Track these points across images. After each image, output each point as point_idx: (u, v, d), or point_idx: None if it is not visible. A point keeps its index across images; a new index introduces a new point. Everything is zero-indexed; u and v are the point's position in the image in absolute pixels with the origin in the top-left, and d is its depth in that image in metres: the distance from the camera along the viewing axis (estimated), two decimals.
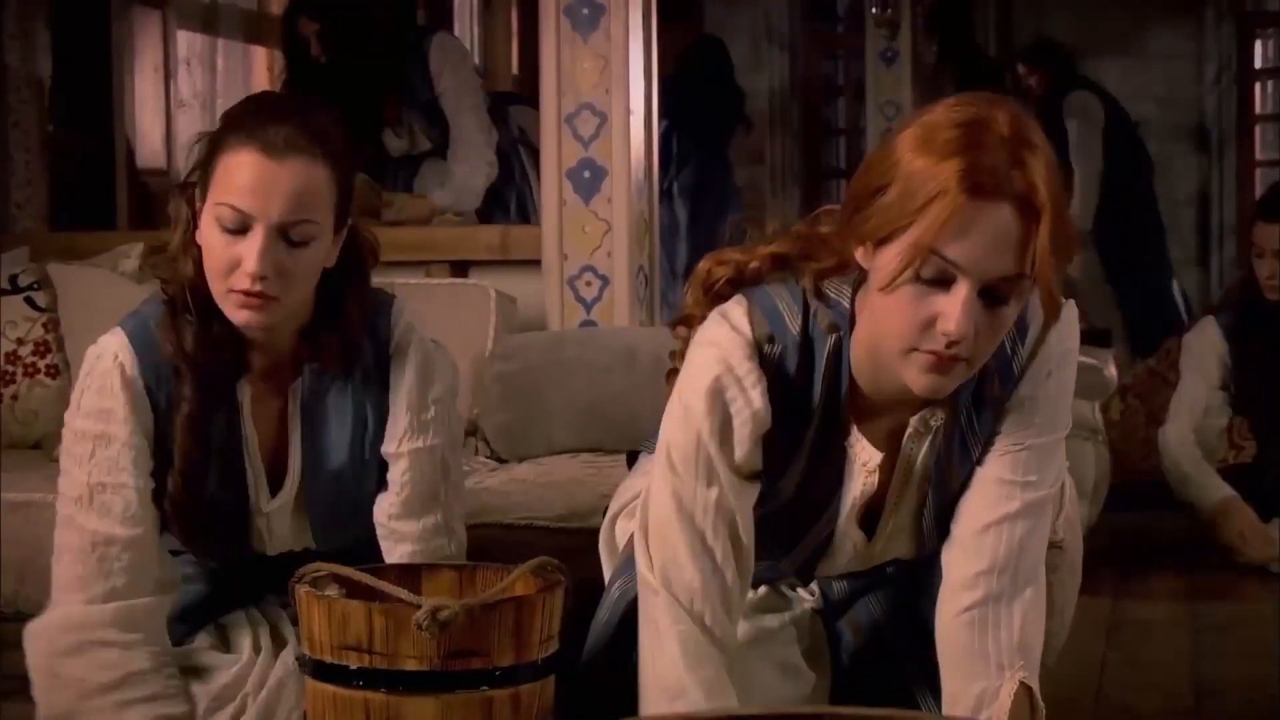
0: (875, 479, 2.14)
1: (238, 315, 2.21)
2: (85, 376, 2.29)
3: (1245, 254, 5.13)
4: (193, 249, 2.24)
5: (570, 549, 2.87)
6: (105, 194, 5.04)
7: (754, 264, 2.14)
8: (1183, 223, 9.37)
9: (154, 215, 5.43)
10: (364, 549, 2.35)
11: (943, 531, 2.21)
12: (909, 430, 2.12)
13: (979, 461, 2.14)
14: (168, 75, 5.25)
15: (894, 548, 2.26)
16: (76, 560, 2.25)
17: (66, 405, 3.68)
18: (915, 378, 1.97)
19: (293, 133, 2.18)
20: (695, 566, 2.07)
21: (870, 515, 2.20)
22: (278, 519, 2.36)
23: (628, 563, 2.29)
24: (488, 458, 3.65)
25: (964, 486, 2.16)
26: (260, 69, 6.32)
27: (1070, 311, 2.08)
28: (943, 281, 1.91)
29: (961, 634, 2.12)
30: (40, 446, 3.75)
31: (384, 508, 2.37)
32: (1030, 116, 1.96)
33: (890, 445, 2.14)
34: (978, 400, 2.11)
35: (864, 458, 2.13)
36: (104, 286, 3.79)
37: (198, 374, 2.26)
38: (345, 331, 2.30)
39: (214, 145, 2.22)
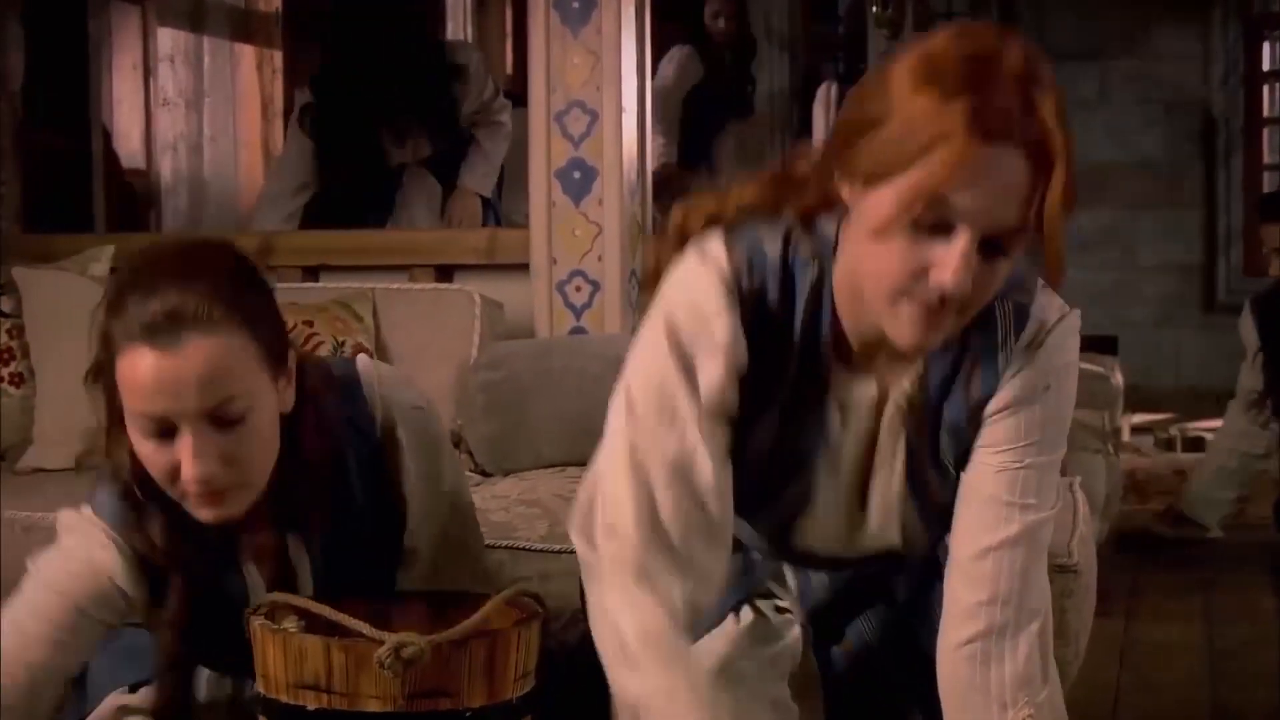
0: (871, 420, 1.93)
1: (202, 514, 1.95)
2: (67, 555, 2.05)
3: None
4: (125, 439, 1.96)
5: (552, 573, 2.73)
6: (82, 195, 4.89)
7: (730, 209, 1.94)
8: (1189, 226, 9.25)
9: (133, 217, 5.29)
10: None
11: (927, 528, 2.02)
12: (889, 407, 1.93)
13: (960, 465, 1.96)
14: (147, 73, 5.10)
15: (882, 532, 2.04)
16: None
17: (32, 415, 3.62)
18: (901, 330, 1.79)
19: (178, 306, 1.86)
20: (639, 532, 1.83)
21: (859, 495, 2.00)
22: None
23: None
24: (471, 471, 3.50)
25: (947, 488, 1.97)
26: (248, 67, 6.17)
27: (1072, 320, 1.91)
28: (941, 229, 1.72)
29: (962, 668, 1.95)
30: (3, 458, 3.61)
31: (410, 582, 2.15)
32: (1040, 52, 1.75)
33: (874, 415, 1.95)
34: (947, 382, 1.92)
35: (858, 395, 1.93)
36: (71, 291, 3.64)
37: (185, 567, 2.03)
38: (312, 481, 2.04)
39: (105, 341, 1.92)
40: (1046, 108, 1.71)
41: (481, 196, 4.65)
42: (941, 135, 1.69)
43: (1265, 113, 9.47)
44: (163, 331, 1.86)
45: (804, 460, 1.97)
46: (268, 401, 1.94)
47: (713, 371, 1.86)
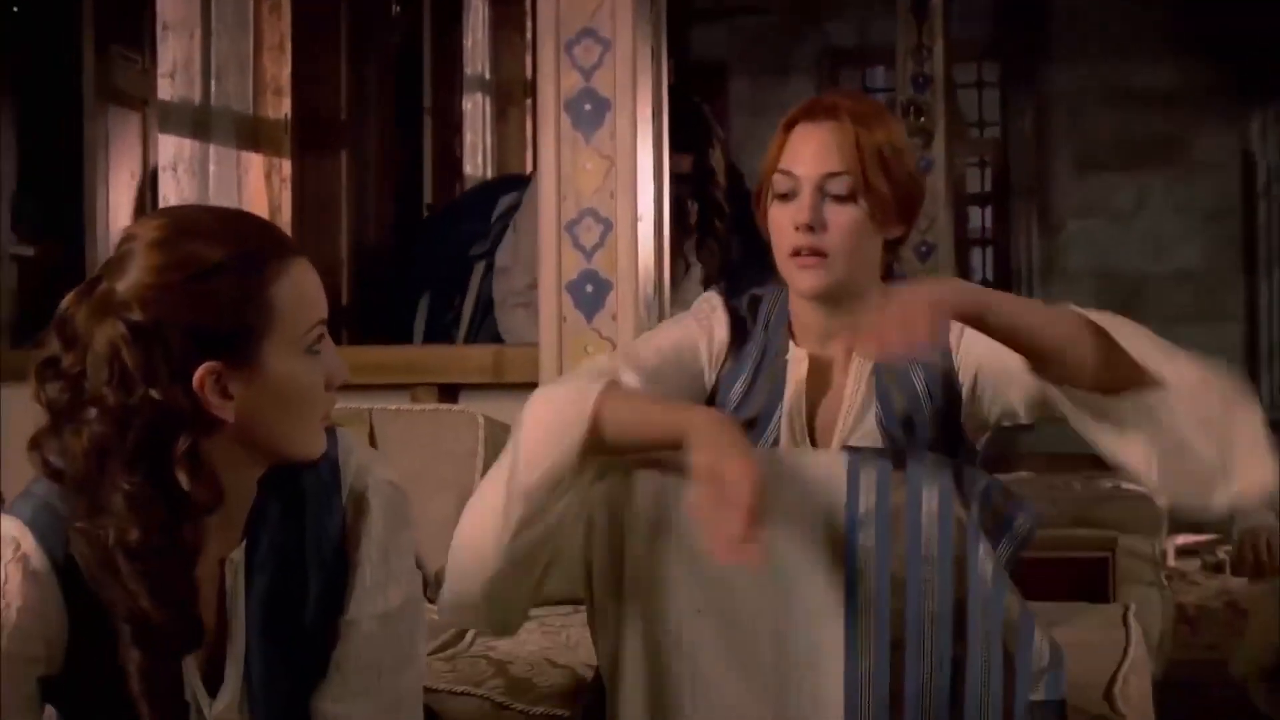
0: (804, 369, 2.41)
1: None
2: None
3: None
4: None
5: None
6: None
7: None
8: (1230, 340, 8.99)
9: None
10: None
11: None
12: (854, 362, 2.41)
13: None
14: (144, 182, 4.89)
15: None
16: None
17: None
18: (796, 278, 2.40)
19: None
20: None
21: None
22: None
23: None
24: None
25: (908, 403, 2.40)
26: (256, 176, 5.97)
27: None
28: (792, 195, 2.38)
29: None
30: None
31: (324, 690, 1.97)
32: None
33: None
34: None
35: (796, 357, 2.43)
36: None
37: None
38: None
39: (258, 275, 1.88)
40: (854, 104, 2.39)
41: None
42: (780, 131, 2.40)
43: None
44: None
45: (768, 415, 2.42)
46: None
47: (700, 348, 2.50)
